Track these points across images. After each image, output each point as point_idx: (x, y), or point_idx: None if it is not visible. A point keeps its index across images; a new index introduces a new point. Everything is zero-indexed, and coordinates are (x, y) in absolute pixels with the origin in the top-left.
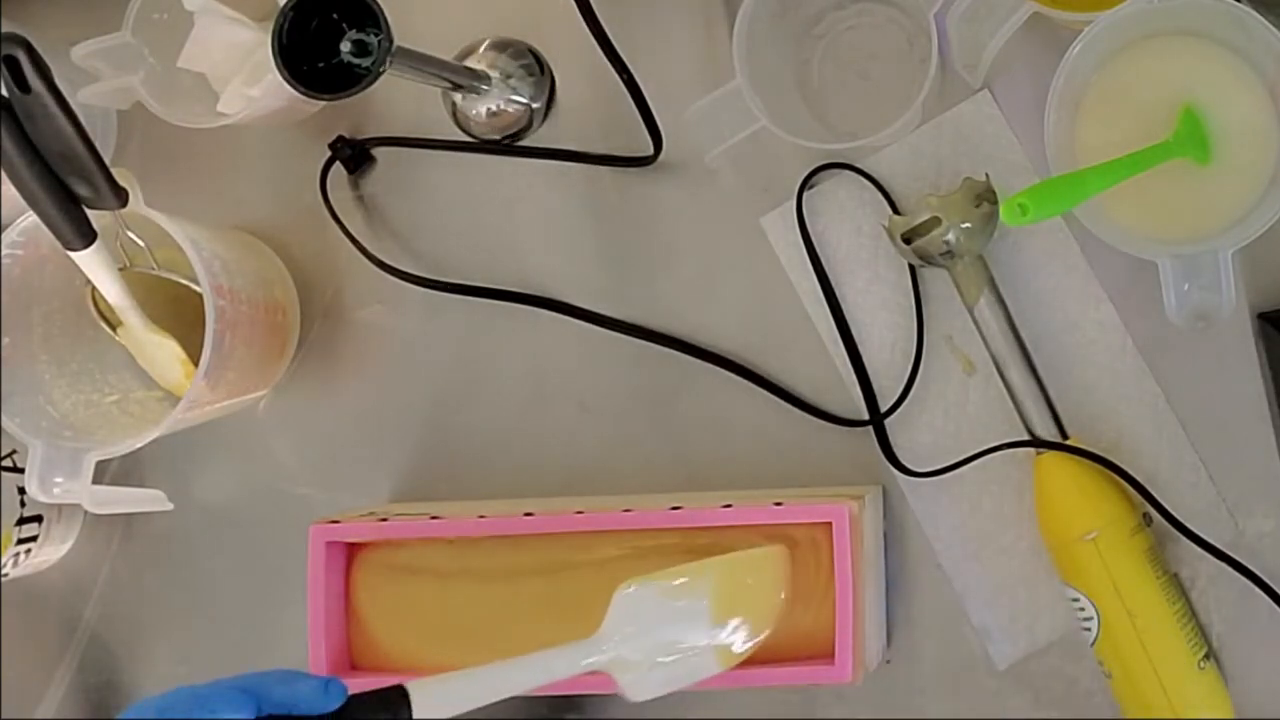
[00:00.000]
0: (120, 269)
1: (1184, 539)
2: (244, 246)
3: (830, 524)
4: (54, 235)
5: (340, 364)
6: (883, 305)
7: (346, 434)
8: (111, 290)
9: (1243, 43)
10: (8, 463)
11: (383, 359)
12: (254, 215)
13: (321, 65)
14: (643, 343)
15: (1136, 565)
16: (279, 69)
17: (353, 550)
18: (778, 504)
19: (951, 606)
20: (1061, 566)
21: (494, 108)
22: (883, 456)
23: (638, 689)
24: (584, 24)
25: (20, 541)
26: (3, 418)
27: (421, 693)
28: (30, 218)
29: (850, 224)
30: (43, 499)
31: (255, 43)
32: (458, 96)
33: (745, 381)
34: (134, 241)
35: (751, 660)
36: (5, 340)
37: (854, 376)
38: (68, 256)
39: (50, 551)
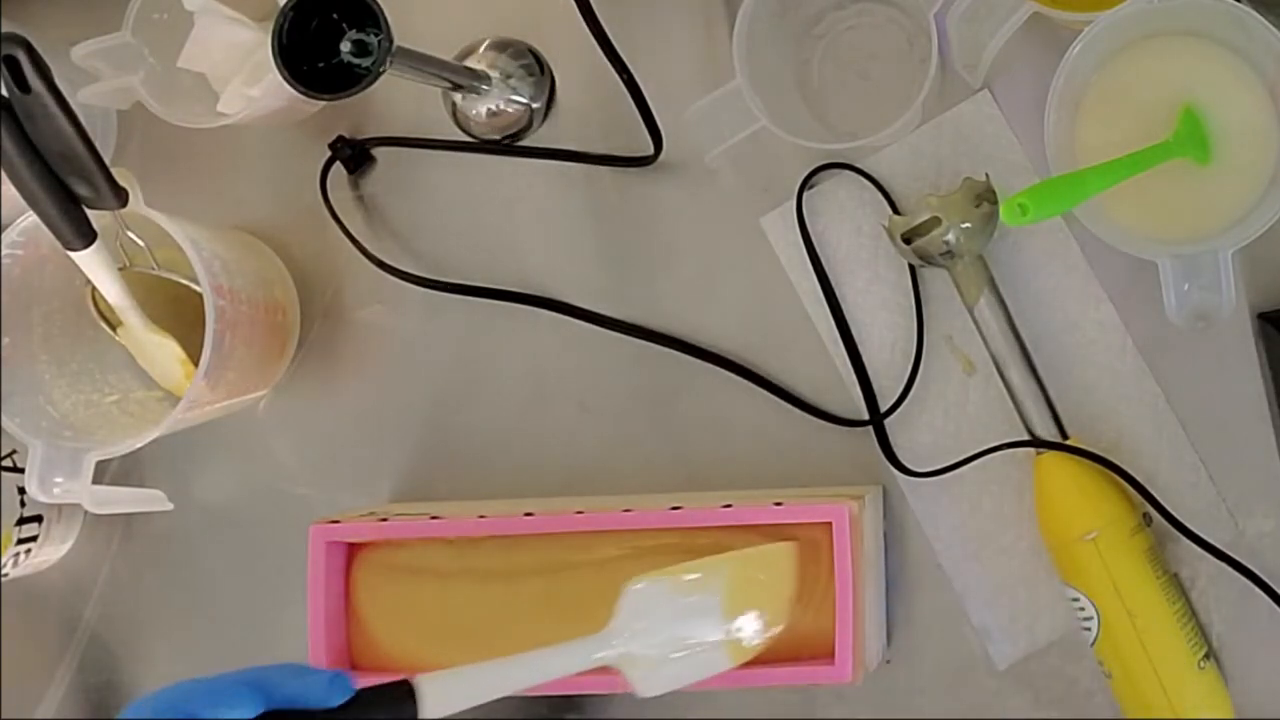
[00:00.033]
0: (120, 269)
1: (1184, 539)
2: (244, 246)
3: (830, 524)
4: (54, 235)
5: (340, 364)
6: (883, 305)
7: (346, 434)
8: (111, 290)
9: (1243, 43)
10: (8, 463)
11: (383, 359)
12: (254, 215)
13: (321, 65)
14: (643, 343)
15: (1136, 565)
16: (279, 69)
17: (353, 550)
18: (778, 504)
19: (951, 606)
20: (1061, 566)
21: (494, 108)
22: (883, 456)
23: (648, 685)
24: (584, 24)
25: (20, 541)
26: (3, 418)
27: (430, 686)
28: (30, 218)
29: (850, 224)
30: (43, 499)
31: (255, 43)
32: (458, 96)
33: (745, 381)
34: (134, 241)
35: (751, 660)
36: (5, 340)
37: (854, 376)
38: (68, 256)
39: (50, 551)
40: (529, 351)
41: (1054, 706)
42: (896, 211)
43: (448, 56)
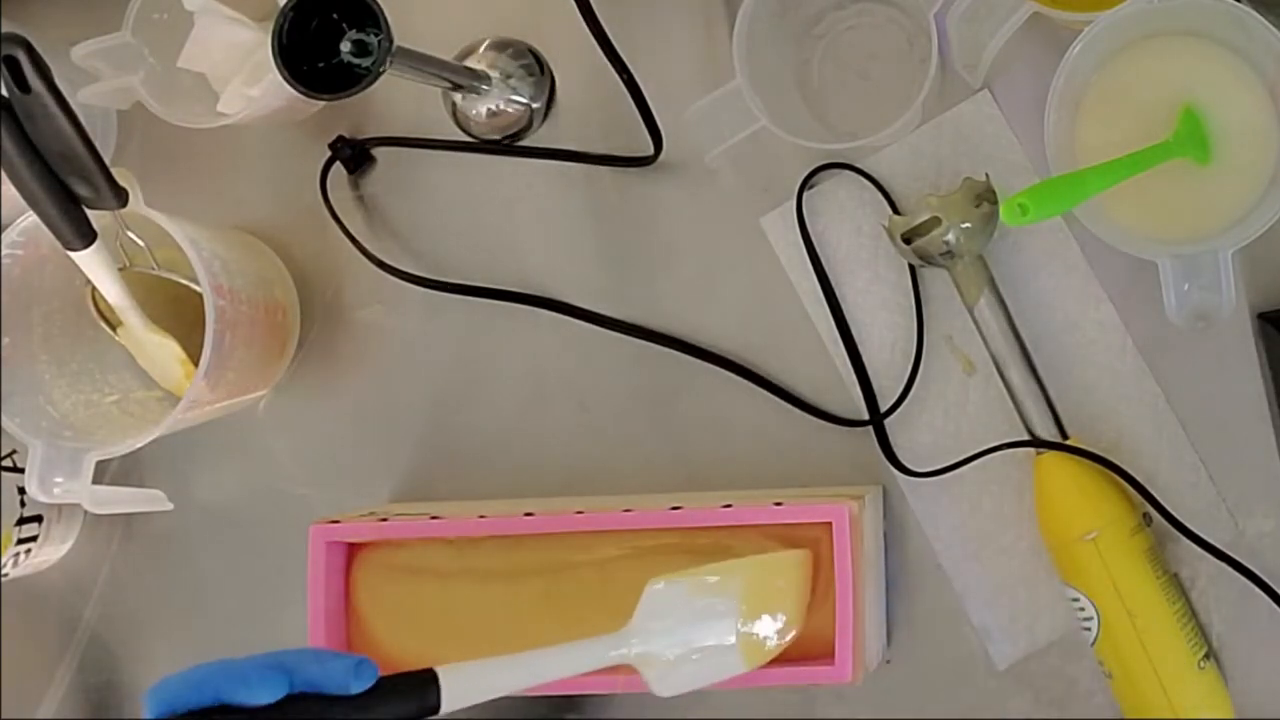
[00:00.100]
0: (120, 269)
1: (1184, 539)
2: (244, 246)
3: (830, 524)
4: (54, 235)
5: (340, 364)
6: (883, 305)
7: (346, 434)
8: (111, 290)
9: (1243, 43)
10: (8, 463)
11: (383, 359)
12: (254, 215)
13: (321, 65)
14: (643, 343)
15: (1136, 565)
16: (279, 69)
17: (353, 550)
18: (778, 504)
19: (951, 606)
20: (1061, 566)
21: (494, 108)
22: (883, 456)
23: (665, 684)
24: (584, 24)
25: (20, 541)
26: (3, 418)
27: (450, 677)
28: (30, 218)
29: (850, 224)
30: (43, 499)
31: (255, 43)
32: (458, 96)
33: (745, 381)
34: (134, 241)
35: None
36: (5, 340)
37: (854, 376)
38: (68, 256)
39: (50, 551)
40: (529, 351)
41: (1054, 706)
42: (896, 211)
43: (448, 56)
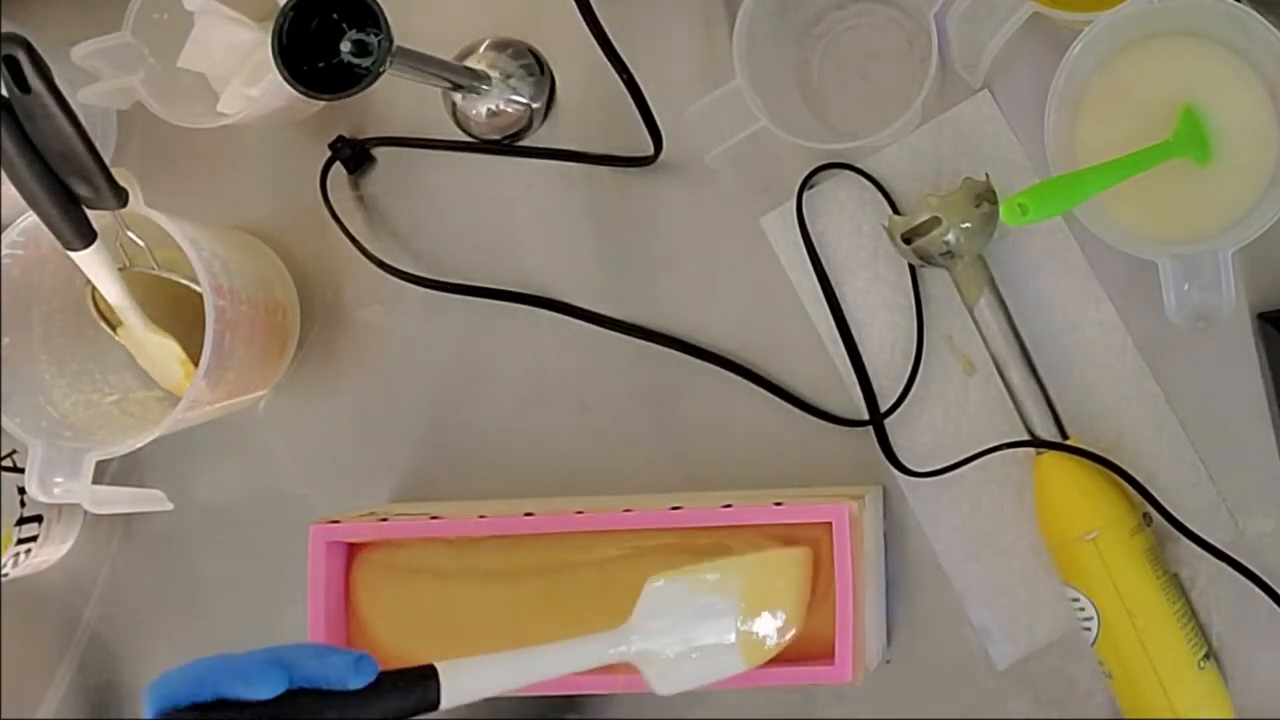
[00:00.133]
0: (120, 269)
1: (1184, 539)
2: (244, 246)
3: (830, 524)
4: (54, 235)
5: (340, 364)
6: (883, 305)
7: (346, 434)
8: (111, 290)
9: (1243, 43)
10: (8, 463)
11: (383, 359)
12: (254, 215)
13: (321, 65)
14: (643, 343)
15: (1136, 565)
16: (279, 69)
17: (353, 550)
18: (778, 504)
19: (951, 606)
20: (1061, 566)
21: (494, 108)
22: (883, 456)
23: (664, 683)
24: (584, 24)
25: (20, 541)
26: (3, 418)
27: (450, 673)
28: (30, 218)
29: (850, 224)
30: (43, 499)
31: (255, 43)
32: (458, 96)
33: (745, 381)
34: (134, 241)
35: None
36: (5, 340)
37: (854, 376)
38: (68, 256)
39: (50, 551)
40: (529, 351)
41: (1054, 706)
42: (896, 211)
43: (448, 56)
